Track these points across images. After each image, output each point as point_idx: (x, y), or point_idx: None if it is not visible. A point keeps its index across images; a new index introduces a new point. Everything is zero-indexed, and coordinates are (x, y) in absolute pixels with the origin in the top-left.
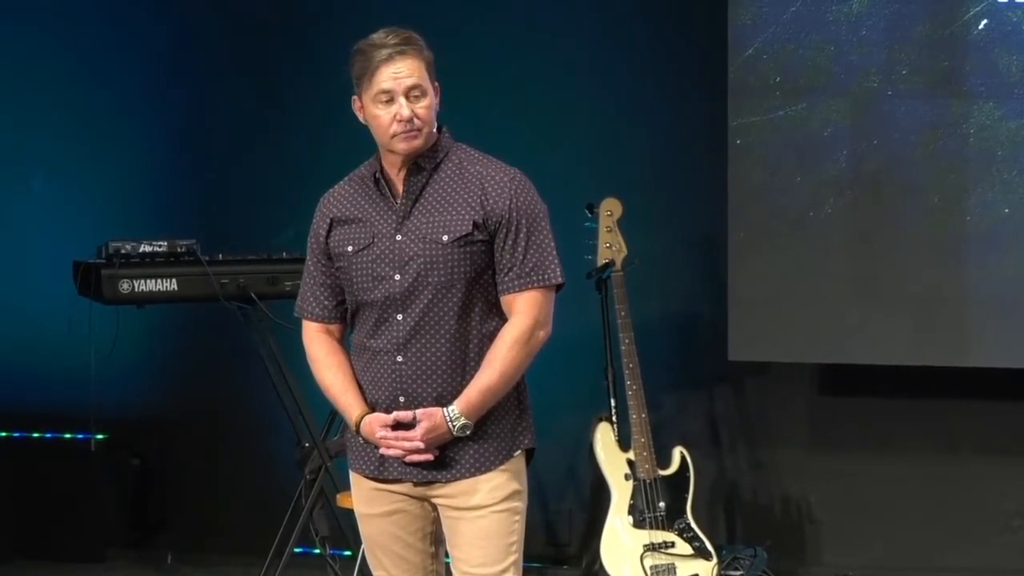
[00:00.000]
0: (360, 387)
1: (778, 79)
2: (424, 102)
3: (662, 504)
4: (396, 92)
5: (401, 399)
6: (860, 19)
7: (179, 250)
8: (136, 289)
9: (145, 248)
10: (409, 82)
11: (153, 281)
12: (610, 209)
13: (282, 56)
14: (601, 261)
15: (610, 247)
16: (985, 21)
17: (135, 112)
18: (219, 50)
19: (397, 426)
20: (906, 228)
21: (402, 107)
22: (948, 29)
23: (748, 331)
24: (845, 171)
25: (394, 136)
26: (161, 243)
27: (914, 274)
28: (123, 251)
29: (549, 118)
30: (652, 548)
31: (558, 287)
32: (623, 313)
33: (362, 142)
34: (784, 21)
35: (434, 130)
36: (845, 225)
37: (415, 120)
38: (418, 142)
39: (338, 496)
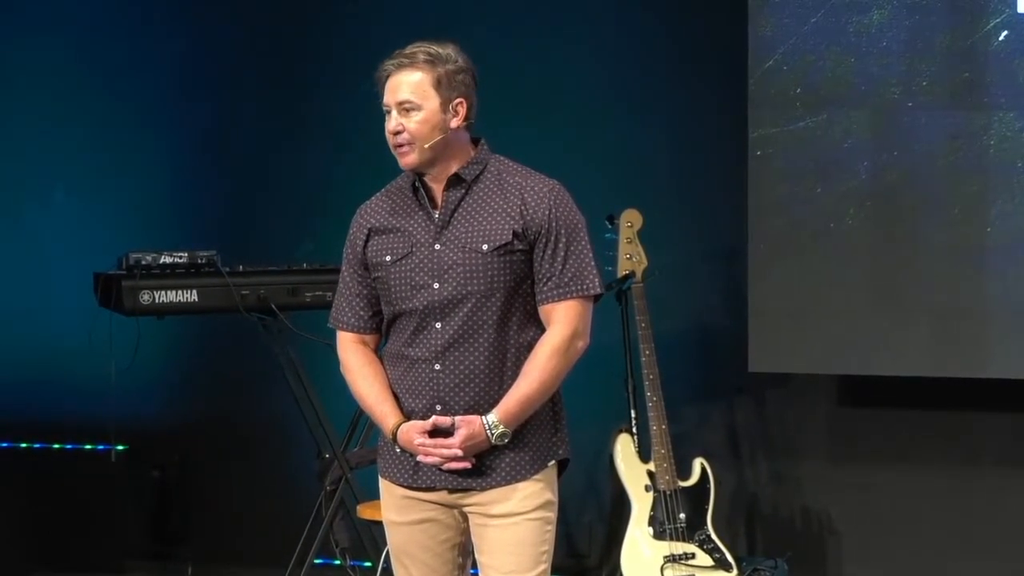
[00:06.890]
0: (395, 396)
1: (798, 90)
2: (416, 116)
3: (682, 515)
4: (390, 106)
5: (438, 407)
6: (880, 30)
7: (199, 261)
8: (156, 300)
9: (165, 259)
10: (399, 96)
11: (173, 292)
12: (630, 220)
13: (302, 68)
14: (621, 272)
15: (630, 258)
16: (1006, 32)
17: (155, 124)
18: (239, 62)
19: (434, 433)
20: (926, 240)
21: (390, 120)
22: (968, 40)
23: (768, 343)
24: (865, 183)
25: (393, 150)
26: (181, 254)
27: (934, 285)
28: (143, 262)
29: (568, 129)
30: (672, 559)
31: (596, 298)
32: (643, 324)
33: (382, 154)
34: (804, 33)
35: (427, 146)
36: (865, 237)
37: (402, 134)
38: (411, 158)
39: (358, 507)
